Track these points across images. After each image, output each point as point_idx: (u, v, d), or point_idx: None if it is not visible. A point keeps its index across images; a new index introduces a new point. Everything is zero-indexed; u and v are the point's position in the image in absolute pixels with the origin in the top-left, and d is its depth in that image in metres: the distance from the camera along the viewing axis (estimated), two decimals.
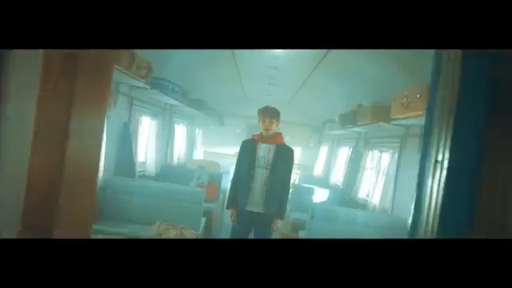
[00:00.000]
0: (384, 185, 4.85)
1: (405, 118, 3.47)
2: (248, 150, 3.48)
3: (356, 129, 6.02)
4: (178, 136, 7.35)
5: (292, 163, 3.54)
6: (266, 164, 3.40)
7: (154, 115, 5.71)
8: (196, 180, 6.15)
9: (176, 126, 7.13)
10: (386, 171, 4.94)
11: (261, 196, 3.35)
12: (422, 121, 3.49)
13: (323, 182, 8.11)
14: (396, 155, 4.71)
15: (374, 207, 5.10)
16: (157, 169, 5.83)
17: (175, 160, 7.14)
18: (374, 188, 5.22)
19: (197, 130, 9.49)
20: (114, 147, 4.30)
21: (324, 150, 9.40)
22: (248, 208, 3.35)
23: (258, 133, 3.55)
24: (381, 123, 4.51)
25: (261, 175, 3.38)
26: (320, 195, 6.36)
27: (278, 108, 3.56)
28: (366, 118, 4.71)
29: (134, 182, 4.24)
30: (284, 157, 3.46)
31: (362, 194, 5.76)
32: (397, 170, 4.64)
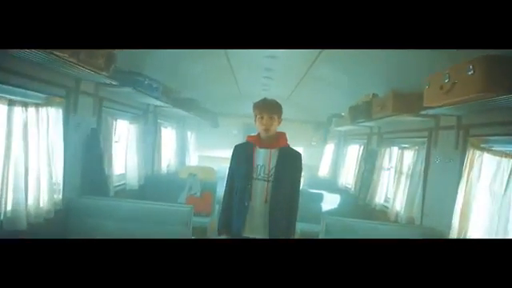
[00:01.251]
0: (409, 188, 4.04)
1: (449, 105, 2.65)
2: (242, 158, 2.67)
3: (367, 123, 5.21)
4: (166, 141, 6.53)
5: (301, 172, 2.73)
6: (267, 175, 2.58)
7: (133, 118, 4.89)
8: (187, 191, 5.34)
9: (163, 130, 6.30)
10: (410, 172, 4.12)
11: (262, 218, 2.54)
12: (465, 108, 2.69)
13: (331, 185, 7.29)
14: (423, 152, 3.90)
15: (397, 215, 4.29)
16: (141, 180, 5.01)
17: (164, 168, 6.32)
18: (396, 192, 4.40)
19: (189, 133, 8.67)
20: (78, 160, 3.48)
21: (329, 149, 8.58)
22: (246, 234, 2.54)
23: (255, 134, 2.74)
24: (405, 115, 3.70)
25: (261, 190, 2.57)
26: (330, 201, 5.55)
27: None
28: (384, 110, 3.89)
29: (105, 202, 3.42)
30: (290, 164, 2.65)
31: (379, 198, 4.95)
32: (425, 171, 3.82)
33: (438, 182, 3.60)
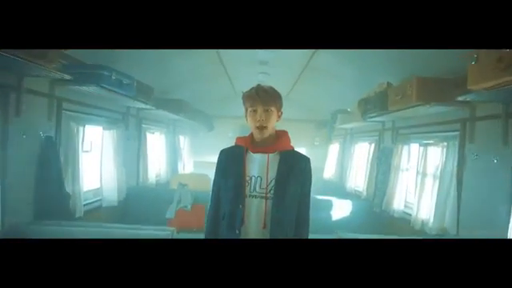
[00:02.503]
0: (439, 192, 3.32)
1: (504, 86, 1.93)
2: (230, 168, 1.96)
3: (379, 118, 4.50)
4: (153, 148, 5.81)
5: (311, 183, 2.00)
6: (265, 190, 1.87)
7: (110, 123, 4.18)
8: (176, 204, 4.63)
9: (149, 135, 5.59)
10: (438, 172, 3.40)
11: None
12: None
13: (338, 189, 6.58)
14: (454, 149, 3.18)
15: (423, 225, 3.57)
16: (121, 195, 4.29)
17: (152, 179, 5.59)
18: (420, 197, 3.68)
19: (182, 138, 7.96)
20: (25, 176, 2.76)
21: (334, 149, 7.85)
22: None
23: (247, 135, 2.02)
24: (432, 104, 3.00)
25: (257, 212, 1.84)
26: (340, 209, 4.83)
27: None
28: (406, 99, 3.17)
29: (62, 229, 2.70)
30: (296, 173, 1.92)
31: (398, 204, 4.22)
32: (459, 171, 3.11)
33: (479, 185, 2.89)
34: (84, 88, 3.12)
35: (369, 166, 5.36)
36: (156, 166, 6.01)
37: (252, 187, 1.87)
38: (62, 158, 3.09)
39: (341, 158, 7.17)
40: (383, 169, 4.63)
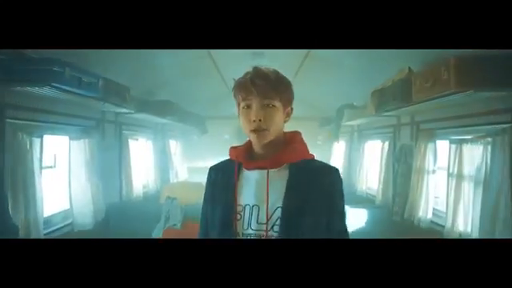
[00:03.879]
0: (483, 200, 2.66)
1: None
2: (218, 192, 1.34)
3: (395, 112, 3.83)
4: (138, 156, 5.13)
5: (343, 206, 1.37)
6: (266, 225, 1.22)
7: (79, 132, 3.50)
8: (163, 223, 3.94)
9: (132, 143, 4.90)
10: (482, 175, 2.73)
11: None
12: None
13: (347, 193, 5.88)
14: (502, 146, 2.51)
15: (461, 238, 2.90)
16: (98, 215, 3.60)
17: (138, 192, 4.90)
18: (455, 204, 3.01)
19: (174, 143, 7.28)
20: None
21: (339, 148, 7.18)
22: None
23: (242, 144, 1.40)
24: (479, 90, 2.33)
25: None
26: (354, 218, 4.16)
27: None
28: (440, 86, 2.50)
29: None
30: (316, 195, 1.27)
31: (424, 212, 3.55)
32: None
33: None
34: (35, 90, 2.43)
35: (383, 166, 4.69)
36: (143, 176, 5.33)
37: (246, 222, 1.24)
38: (8, 179, 2.41)
39: (348, 158, 6.50)
40: (403, 170, 3.96)
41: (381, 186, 4.67)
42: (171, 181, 6.42)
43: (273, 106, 1.27)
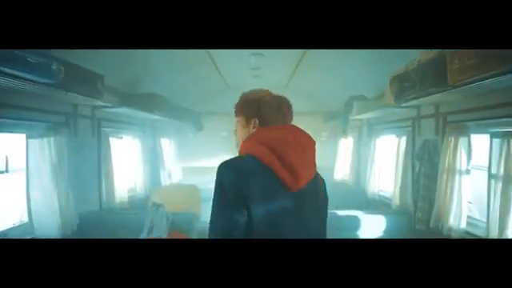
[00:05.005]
0: None
1: None
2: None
3: (413, 102, 3.23)
4: (123, 156, 4.52)
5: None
6: None
7: (43, 129, 2.89)
8: (146, 233, 3.34)
9: (115, 142, 4.29)
10: None
11: None
12: None
13: (356, 194, 5.31)
14: None
15: None
16: (67, 229, 3.00)
17: (122, 197, 4.29)
18: (505, 215, 2.40)
19: (167, 141, 6.67)
20: None
21: (346, 144, 6.57)
22: None
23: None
24: None
25: None
26: (371, 226, 3.56)
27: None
28: (492, 61, 1.89)
29: None
30: None
31: (456, 221, 2.94)
32: None
33: None
34: None
35: (399, 165, 4.08)
36: (129, 179, 4.73)
37: None
38: None
39: (356, 155, 5.88)
40: (426, 170, 3.35)
41: (397, 188, 4.05)
42: (163, 183, 5.82)
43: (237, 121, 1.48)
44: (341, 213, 3.61)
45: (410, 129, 3.91)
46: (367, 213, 3.64)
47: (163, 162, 5.91)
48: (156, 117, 5.00)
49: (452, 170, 3.01)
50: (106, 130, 4.03)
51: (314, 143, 1.40)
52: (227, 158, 1.31)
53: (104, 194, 3.91)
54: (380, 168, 4.87)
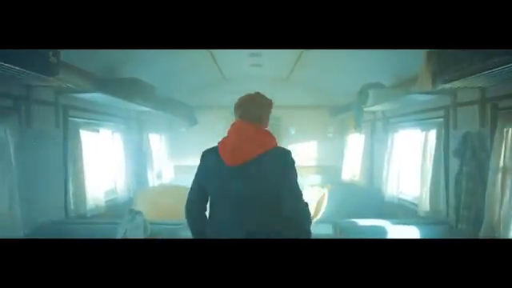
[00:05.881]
0: None
1: None
2: None
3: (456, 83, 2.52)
4: (99, 153, 3.81)
5: None
6: None
7: None
8: None
9: (88, 135, 3.57)
10: None
11: None
12: None
13: (370, 196, 4.62)
14: None
15: None
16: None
17: (97, 202, 3.57)
18: None
19: (157, 136, 5.97)
20: None
21: (356, 140, 5.87)
22: None
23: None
24: None
25: None
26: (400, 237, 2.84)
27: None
28: None
29: None
30: None
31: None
32: None
33: None
34: None
35: (428, 164, 3.37)
36: (107, 180, 4.02)
37: None
38: None
39: (368, 153, 5.16)
40: (471, 170, 2.64)
41: (426, 192, 3.35)
42: (151, 184, 5.11)
43: None
44: (362, 222, 2.91)
45: (442, 120, 3.21)
46: (395, 223, 2.94)
47: (151, 160, 5.20)
48: (142, 108, 4.29)
49: (509, 170, 2.31)
50: (76, 120, 3.32)
51: (256, 134, 1.81)
52: None
53: (71, 199, 3.19)
54: (399, 167, 4.17)
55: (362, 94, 4.05)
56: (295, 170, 1.80)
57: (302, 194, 1.77)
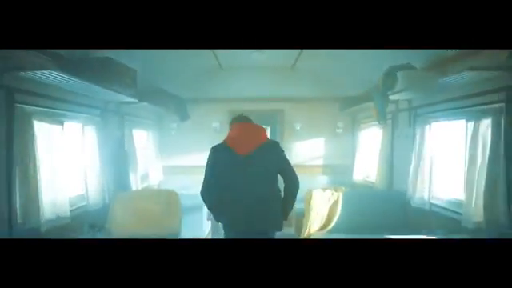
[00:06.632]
0: None
1: None
2: None
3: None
4: (64, 151, 3.03)
5: None
6: None
7: None
8: None
9: (46, 129, 2.79)
10: None
11: None
12: None
13: (390, 202, 3.88)
14: None
15: None
16: None
17: (58, 213, 2.79)
18: None
19: (145, 132, 5.20)
20: None
21: (369, 136, 5.13)
22: None
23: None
24: None
25: None
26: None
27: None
28: None
29: None
30: None
31: None
32: None
33: None
34: None
35: (477, 161, 2.63)
36: (75, 182, 3.25)
37: None
38: None
39: (387, 150, 4.42)
40: None
41: (477, 196, 2.60)
42: (135, 187, 4.34)
43: None
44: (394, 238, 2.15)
45: (501, 106, 2.46)
46: (443, 238, 2.19)
47: (135, 160, 4.42)
48: (122, 97, 3.53)
49: None
50: (26, 108, 2.54)
51: (256, 129, 2.54)
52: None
53: (18, 207, 2.41)
54: (431, 167, 3.42)
55: (389, 78, 3.30)
56: (285, 154, 2.53)
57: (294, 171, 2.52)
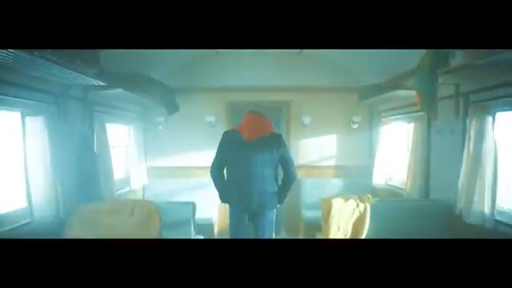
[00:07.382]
0: None
1: None
2: None
3: None
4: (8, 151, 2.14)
5: None
6: None
7: None
8: None
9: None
10: None
11: None
12: None
13: (427, 213, 3.03)
14: None
15: None
16: None
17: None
18: None
19: (127, 128, 4.32)
20: None
21: (392, 133, 4.26)
22: None
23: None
24: None
25: None
26: None
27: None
28: None
29: None
30: None
31: None
32: None
33: None
34: None
35: None
36: (13, 193, 2.36)
37: None
38: None
39: (422, 150, 3.52)
40: None
41: None
42: (107, 195, 3.44)
43: None
44: None
45: None
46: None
47: (109, 162, 3.51)
48: (84, 81, 2.65)
49: None
50: None
51: (263, 122, 2.90)
52: (213, 152, 2.91)
53: None
54: (494, 172, 2.54)
55: (440, 52, 2.40)
56: (286, 145, 2.91)
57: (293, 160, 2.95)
